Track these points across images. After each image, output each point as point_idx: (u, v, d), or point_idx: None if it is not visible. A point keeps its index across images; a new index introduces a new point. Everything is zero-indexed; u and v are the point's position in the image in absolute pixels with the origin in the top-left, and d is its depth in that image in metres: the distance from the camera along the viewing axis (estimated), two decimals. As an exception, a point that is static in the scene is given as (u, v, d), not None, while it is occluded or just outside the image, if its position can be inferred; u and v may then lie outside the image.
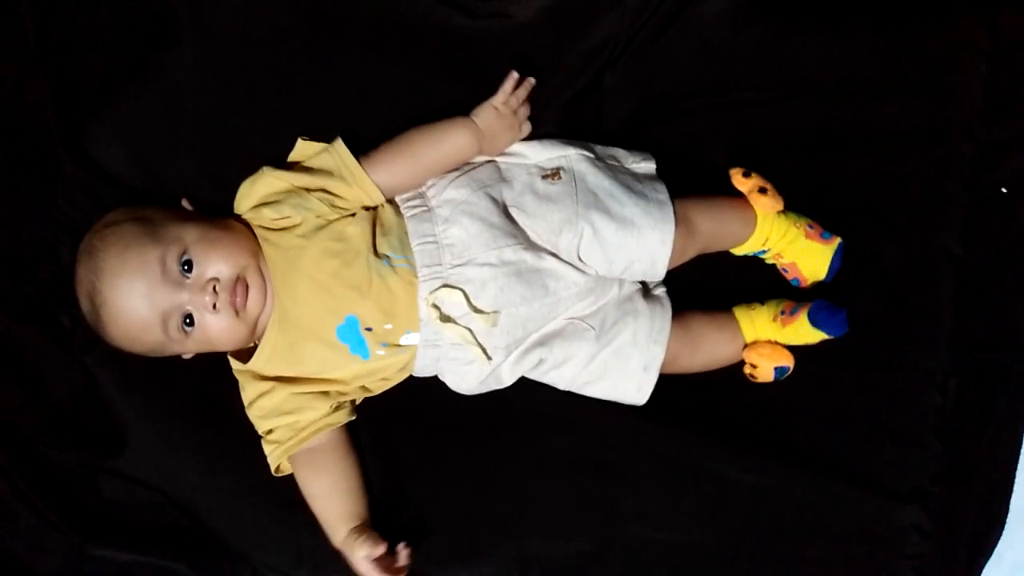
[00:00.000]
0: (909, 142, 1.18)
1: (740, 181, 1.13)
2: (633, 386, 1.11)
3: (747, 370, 1.16)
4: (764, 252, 1.17)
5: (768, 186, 1.13)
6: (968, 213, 1.18)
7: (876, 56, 1.18)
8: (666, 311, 1.12)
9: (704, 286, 1.19)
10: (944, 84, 1.18)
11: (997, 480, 1.19)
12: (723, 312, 1.17)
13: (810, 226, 1.15)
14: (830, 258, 1.14)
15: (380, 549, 1.04)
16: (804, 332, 1.12)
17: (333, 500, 1.08)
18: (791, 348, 1.14)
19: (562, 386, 1.12)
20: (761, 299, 1.18)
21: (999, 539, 1.18)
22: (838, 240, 1.15)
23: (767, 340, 1.14)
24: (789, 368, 1.14)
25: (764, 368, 1.14)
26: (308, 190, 1.06)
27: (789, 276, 1.18)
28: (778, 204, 1.13)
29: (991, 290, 1.18)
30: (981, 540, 1.18)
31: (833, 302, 1.12)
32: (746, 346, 1.15)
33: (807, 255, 1.14)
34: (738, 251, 1.17)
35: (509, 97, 1.09)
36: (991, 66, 1.17)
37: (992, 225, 1.18)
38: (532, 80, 1.11)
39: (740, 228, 1.14)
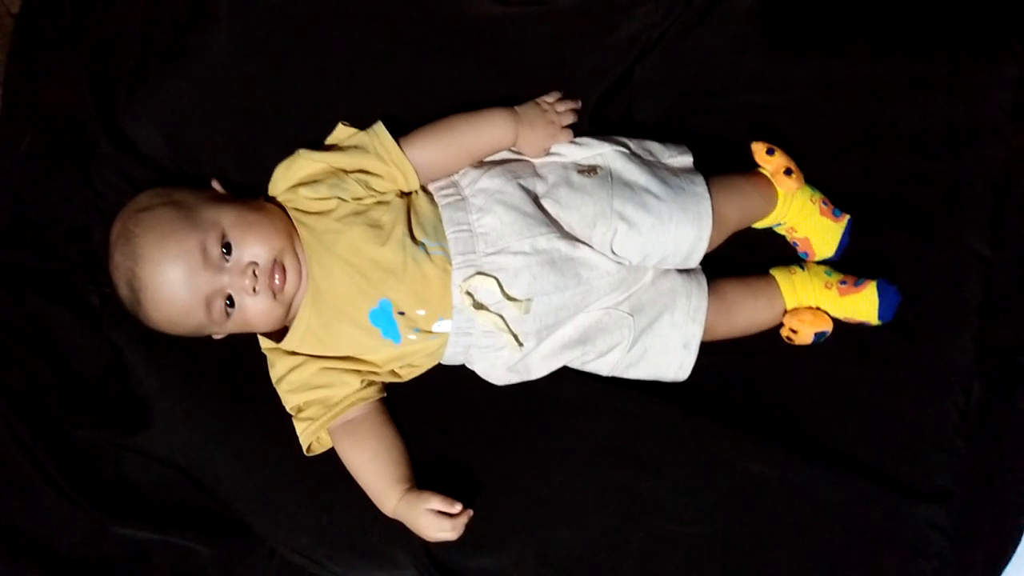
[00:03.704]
0: (938, 142, 1.18)
1: (764, 159, 1.14)
2: (675, 363, 1.12)
3: (785, 333, 1.16)
4: (779, 225, 1.18)
5: (792, 166, 1.14)
6: (995, 215, 1.18)
7: (907, 57, 1.18)
8: (702, 287, 1.12)
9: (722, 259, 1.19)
10: (974, 85, 1.17)
11: (1018, 483, 1.18)
12: (758, 277, 1.17)
13: (824, 202, 1.16)
14: (840, 236, 1.16)
15: (448, 501, 1.04)
16: (864, 304, 1.13)
17: (381, 466, 1.08)
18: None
19: (605, 372, 1.13)
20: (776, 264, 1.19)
21: (1020, 542, 1.18)
22: (847, 218, 1.16)
23: (808, 306, 1.15)
24: (828, 332, 1.14)
25: (804, 333, 1.14)
26: (345, 171, 1.07)
27: (799, 249, 1.19)
28: (800, 183, 1.14)
29: (1017, 292, 1.17)
30: (1001, 542, 1.17)
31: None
32: (786, 311, 1.15)
33: (819, 231, 1.16)
34: (757, 225, 1.19)
35: (557, 99, 1.13)
36: (1022, 67, 1.17)
37: (1020, 227, 1.18)
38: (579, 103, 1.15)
39: (762, 208, 1.16)
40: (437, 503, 1.04)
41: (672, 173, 1.11)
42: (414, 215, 1.07)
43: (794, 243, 1.19)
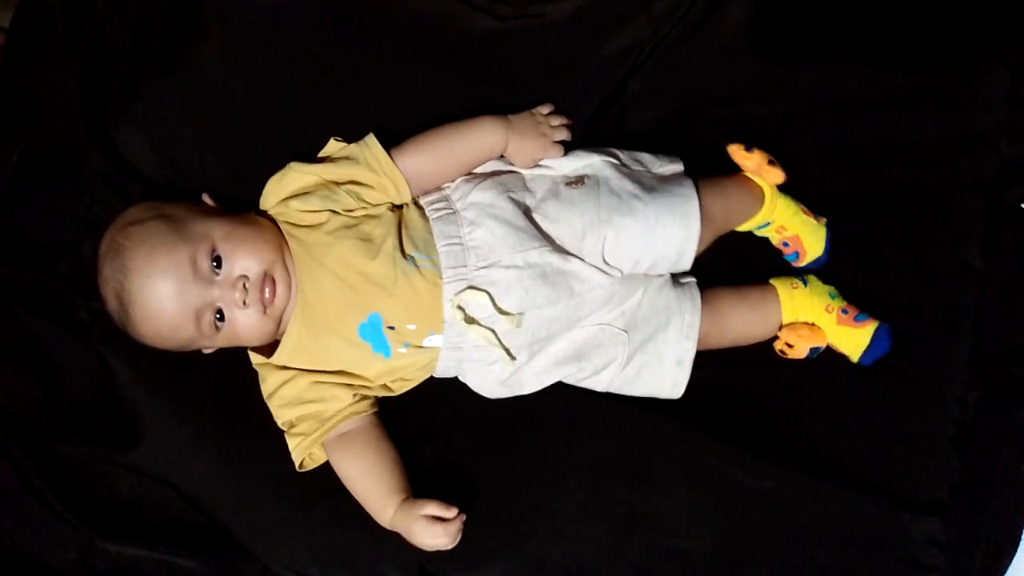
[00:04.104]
0: (931, 154, 1.19)
1: (744, 156, 1.14)
2: (669, 382, 1.12)
3: (779, 346, 1.15)
4: (765, 226, 1.18)
5: (773, 158, 1.14)
6: (989, 227, 1.18)
7: (899, 68, 1.19)
8: (696, 303, 1.12)
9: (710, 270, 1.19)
10: (966, 96, 1.18)
11: (1014, 495, 1.18)
12: (756, 288, 1.16)
13: (804, 207, 1.17)
14: (824, 235, 1.16)
15: (444, 505, 1.03)
16: (854, 341, 1.13)
17: (378, 476, 1.07)
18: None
19: (600, 389, 1.13)
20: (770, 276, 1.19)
21: (1015, 554, 1.17)
22: (824, 220, 1.17)
23: (805, 322, 1.14)
24: (822, 348, 1.14)
25: (800, 348, 1.14)
26: (337, 183, 1.07)
27: (788, 251, 1.18)
28: (783, 175, 1.14)
29: (1012, 304, 1.17)
30: (997, 555, 1.17)
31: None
32: (783, 325, 1.15)
33: (807, 228, 1.16)
34: (741, 228, 1.18)
35: (551, 111, 1.13)
36: (1015, 79, 1.17)
37: (1013, 239, 1.18)
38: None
39: (748, 206, 1.15)
40: (433, 508, 1.03)
41: (660, 180, 1.11)
42: (405, 229, 1.07)
43: (784, 244, 1.18)
